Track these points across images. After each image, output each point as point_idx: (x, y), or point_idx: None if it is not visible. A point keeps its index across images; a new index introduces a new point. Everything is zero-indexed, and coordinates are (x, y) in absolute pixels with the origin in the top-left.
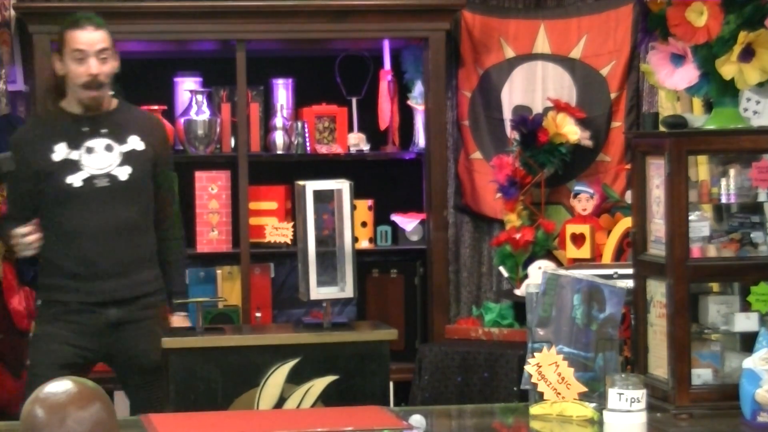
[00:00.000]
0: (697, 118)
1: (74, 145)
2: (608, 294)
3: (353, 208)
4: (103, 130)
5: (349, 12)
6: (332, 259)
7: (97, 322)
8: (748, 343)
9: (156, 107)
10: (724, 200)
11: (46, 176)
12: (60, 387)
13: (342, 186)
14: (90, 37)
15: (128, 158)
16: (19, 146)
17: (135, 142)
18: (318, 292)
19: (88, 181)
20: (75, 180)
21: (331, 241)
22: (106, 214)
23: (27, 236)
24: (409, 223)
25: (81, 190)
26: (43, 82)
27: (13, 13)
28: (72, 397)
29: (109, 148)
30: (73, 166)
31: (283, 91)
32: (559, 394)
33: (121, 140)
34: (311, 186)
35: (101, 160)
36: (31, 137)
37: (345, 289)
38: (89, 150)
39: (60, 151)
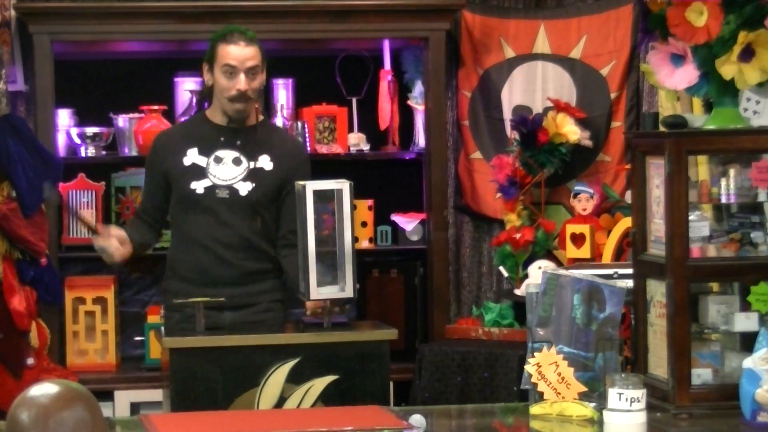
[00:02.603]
0: (697, 118)
1: (205, 152)
2: (608, 294)
3: (353, 208)
4: (237, 143)
5: (349, 12)
6: (332, 259)
7: (214, 324)
8: (748, 343)
9: (156, 107)
10: (724, 200)
11: (175, 180)
12: (42, 390)
13: (342, 186)
14: (242, 53)
15: (253, 175)
16: (156, 148)
17: (265, 162)
18: (318, 292)
19: (210, 189)
20: (198, 186)
21: (331, 241)
22: (223, 226)
23: (107, 241)
24: (409, 223)
25: (202, 197)
26: (43, 82)
27: (13, 13)
28: (53, 398)
29: (237, 161)
30: (199, 172)
31: (283, 91)
32: (559, 394)
33: (252, 156)
34: (311, 186)
35: (226, 171)
36: (168, 140)
37: (345, 289)
38: (218, 159)
39: (191, 156)
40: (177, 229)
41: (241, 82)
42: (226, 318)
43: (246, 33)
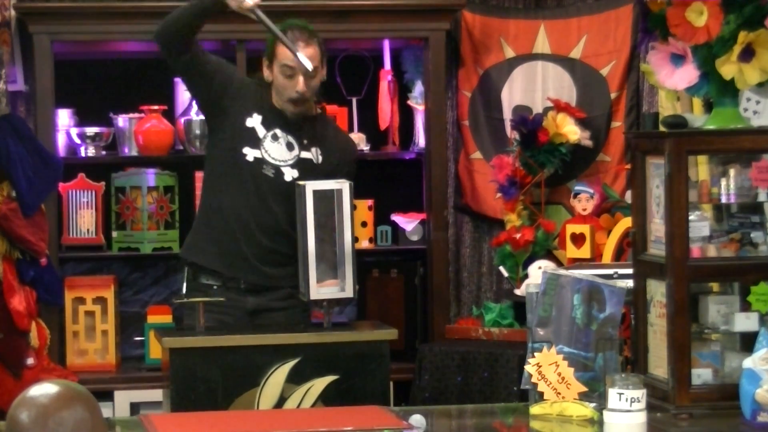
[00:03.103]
0: (697, 118)
1: (266, 123)
2: (608, 294)
3: (353, 208)
4: (295, 129)
5: (349, 12)
6: (332, 260)
7: (236, 311)
8: (748, 343)
9: (156, 107)
10: (724, 200)
11: (229, 136)
12: (42, 390)
13: (342, 186)
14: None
15: (300, 164)
16: (240, 83)
17: (315, 154)
18: (318, 292)
19: (259, 162)
20: (249, 154)
21: (331, 241)
22: (259, 202)
23: None
24: (409, 223)
25: (248, 167)
26: (43, 82)
27: (13, 13)
28: (53, 398)
29: (290, 146)
30: (255, 140)
31: None
32: (559, 394)
33: (304, 146)
34: (311, 186)
35: (278, 151)
36: (248, 91)
37: (345, 289)
38: (275, 137)
39: (254, 120)
40: (213, 197)
41: (300, 84)
42: (248, 302)
43: (306, 28)
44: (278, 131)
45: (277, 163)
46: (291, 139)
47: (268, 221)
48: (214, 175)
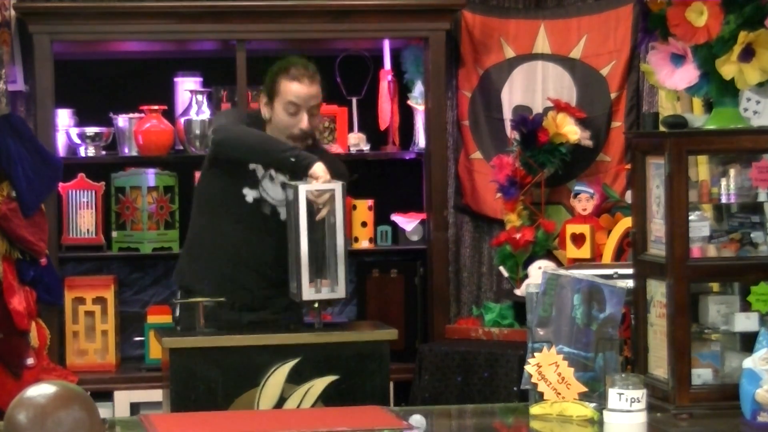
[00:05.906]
0: (697, 118)
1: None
2: (608, 294)
3: (346, 208)
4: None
5: (349, 12)
6: (324, 260)
7: (233, 325)
8: (748, 343)
9: (156, 107)
10: (724, 200)
11: (232, 172)
12: (40, 390)
13: (335, 187)
14: (306, 92)
15: None
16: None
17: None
18: (310, 292)
19: (257, 202)
20: (249, 195)
21: (323, 242)
22: (255, 238)
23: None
24: (409, 223)
25: (248, 207)
26: (43, 82)
27: (13, 13)
28: (50, 398)
29: (284, 185)
30: (254, 180)
31: None
32: (559, 394)
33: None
34: (304, 187)
35: (275, 191)
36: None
37: (336, 289)
38: (272, 178)
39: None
40: (206, 227)
41: (304, 121)
42: (243, 317)
43: (308, 67)
44: (272, 171)
45: (275, 203)
46: (283, 178)
47: (264, 255)
48: (210, 208)
